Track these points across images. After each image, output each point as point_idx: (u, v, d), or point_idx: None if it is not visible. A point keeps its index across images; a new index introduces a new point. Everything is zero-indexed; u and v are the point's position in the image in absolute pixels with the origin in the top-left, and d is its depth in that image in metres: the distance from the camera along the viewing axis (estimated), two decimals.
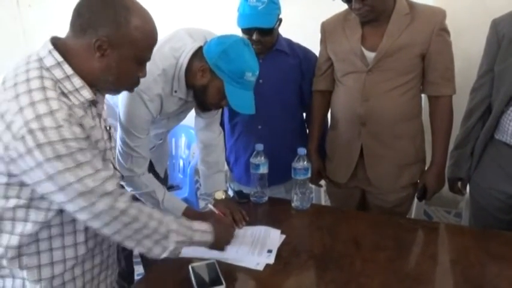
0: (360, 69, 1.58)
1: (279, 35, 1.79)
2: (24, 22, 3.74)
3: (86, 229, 1.07)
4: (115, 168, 1.16)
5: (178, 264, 1.29)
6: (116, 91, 1.11)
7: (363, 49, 1.57)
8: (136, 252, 1.10)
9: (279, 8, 1.69)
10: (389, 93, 1.57)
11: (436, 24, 1.52)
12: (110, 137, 1.13)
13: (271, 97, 1.77)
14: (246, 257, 1.32)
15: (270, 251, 1.34)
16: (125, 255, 1.89)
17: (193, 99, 1.45)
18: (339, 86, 1.70)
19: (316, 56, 1.81)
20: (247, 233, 1.45)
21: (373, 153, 1.65)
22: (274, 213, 1.62)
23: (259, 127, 1.83)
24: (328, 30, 1.70)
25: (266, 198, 1.70)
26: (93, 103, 1.03)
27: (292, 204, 1.64)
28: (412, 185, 1.73)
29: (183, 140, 2.74)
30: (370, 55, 1.56)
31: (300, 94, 1.86)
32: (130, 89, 1.12)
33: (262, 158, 1.64)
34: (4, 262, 1.00)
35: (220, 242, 1.31)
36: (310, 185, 1.80)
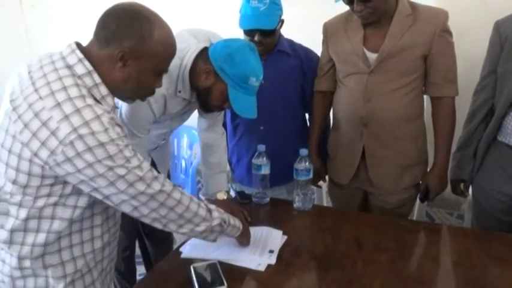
0: (362, 70, 1.58)
1: (280, 35, 1.79)
2: (27, 21, 3.75)
3: (102, 224, 1.11)
4: None
5: (180, 265, 1.30)
6: (132, 99, 1.15)
7: (365, 50, 1.57)
8: (182, 232, 1.15)
9: (280, 9, 1.69)
10: (391, 95, 1.57)
11: (438, 26, 1.51)
12: None
13: (273, 98, 1.77)
14: (247, 257, 1.32)
15: (271, 251, 1.34)
16: (127, 256, 1.90)
17: (196, 100, 1.45)
18: (340, 87, 1.70)
19: (317, 56, 1.81)
20: None
21: (375, 154, 1.65)
22: (275, 214, 1.62)
23: (261, 128, 1.83)
24: (330, 31, 1.70)
25: (268, 199, 1.70)
26: (113, 109, 1.08)
27: (294, 205, 1.64)
28: (414, 186, 1.73)
29: (185, 141, 2.74)
30: (372, 56, 1.56)
31: (302, 94, 1.86)
32: (143, 98, 1.16)
33: (264, 158, 1.64)
34: (27, 262, 1.02)
35: (246, 232, 1.36)
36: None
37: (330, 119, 1.89)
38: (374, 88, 1.58)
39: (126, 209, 1.04)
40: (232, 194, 1.92)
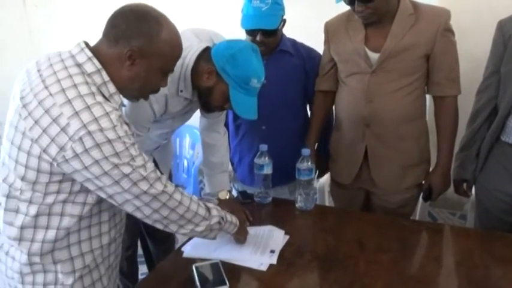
0: (364, 70, 1.58)
1: (283, 35, 1.79)
2: (30, 22, 3.76)
3: (110, 220, 1.13)
4: None
5: (182, 264, 1.30)
6: (137, 98, 1.16)
7: (367, 50, 1.57)
8: (182, 233, 1.18)
9: (282, 9, 1.69)
10: (394, 94, 1.57)
11: (440, 25, 1.51)
12: None
13: (276, 98, 1.77)
14: (249, 257, 1.33)
15: (272, 252, 1.34)
16: (129, 255, 1.90)
17: (198, 99, 1.45)
18: (342, 87, 1.70)
19: (320, 55, 1.81)
20: (251, 233, 1.45)
21: (378, 155, 1.64)
22: (278, 213, 1.62)
23: (263, 127, 1.83)
24: (332, 30, 1.70)
25: (270, 199, 1.70)
26: (121, 106, 1.10)
27: (296, 205, 1.64)
28: (417, 186, 1.72)
29: (187, 140, 2.74)
30: (373, 56, 1.55)
31: (304, 94, 1.86)
32: (147, 96, 1.18)
33: (266, 158, 1.64)
34: (37, 258, 1.04)
35: (242, 229, 1.37)
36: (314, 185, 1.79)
37: (332, 118, 1.89)
38: (376, 88, 1.57)
39: (129, 208, 1.05)
40: (235, 193, 1.92)
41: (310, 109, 1.93)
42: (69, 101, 0.94)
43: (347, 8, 1.61)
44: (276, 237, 1.43)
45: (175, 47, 1.09)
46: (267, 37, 1.67)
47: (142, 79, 1.06)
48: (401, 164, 1.65)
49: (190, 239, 1.41)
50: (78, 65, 1.01)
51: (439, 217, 2.94)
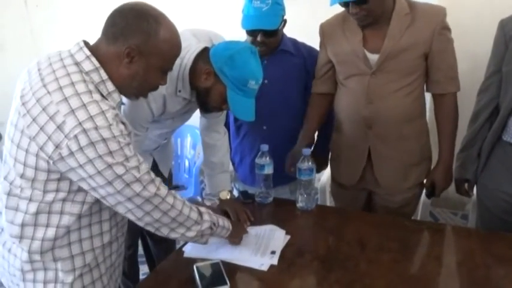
0: (363, 72, 1.57)
1: (283, 35, 1.79)
2: (31, 22, 3.77)
3: (111, 218, 1.14)
4: None
5: (183, 264, 1.30)
6: (136, 96, 1.16)
7: (365, 51, 1.56)
8: (173, 237, 1.17)
9: (283, 9, 1.69)
10: (394, 95, 1.57)
11: (437, 23, 1.51)
12: None
13: (277, 97, 1.77)
14: (249, 257, 1.33)
15: (273, 252, 1.34)
16: (129, 255, 1.90)
17: (196, 100, 1.45)
18: (341, 89, 1.69)
19: None
20: (252, 233, 1.45)
21: (381, 155, 1.64)
22: (279, 213, 1.62)
23: (264, 127, 1.83)
24: (328, 32, 1.68)
25: (271, 199, 1.70)
26: (120, 105, 1.11)
27: (297, 205, 1.64)
28: (418, 185, 1.73)
29: (188, 140, 2.75)
30: (372, 57, 1.55)
31: (305, 94, 1.86)
32: (146, 94, 1.17)
33: (267, 158, 1.64)
34: (37, 256, 1.05)
35: (236, 232, 1.37)
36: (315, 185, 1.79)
37: (334, 120, 1.87)
38: (376, 89, 1.57)
39: (121, 210, 1.06)
40: (236, 193, 1.92)
41: None
42: (65, 99, 0.95)
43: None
44: (276, 237, 1.43)
45: (174, 46, 1.09)
46: (268, 37, 1.67)
47: (141, 77, 1.07)
48: (404, 163, 1.66)
49: None
50: (77, 64, 1.01)
51: (440, 217, 2.94)
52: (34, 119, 0.96)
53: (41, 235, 1.04)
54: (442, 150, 1.64)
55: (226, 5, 2.91)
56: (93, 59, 1.02)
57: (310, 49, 1.83)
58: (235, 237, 1.37)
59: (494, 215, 1.59)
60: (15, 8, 3.73)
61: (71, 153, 0.95)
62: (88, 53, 1.02)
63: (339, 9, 1.64)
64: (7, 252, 1.09)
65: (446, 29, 1.53)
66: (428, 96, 1.67)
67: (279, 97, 1.78)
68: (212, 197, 1.66)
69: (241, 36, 1.71)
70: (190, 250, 1.38)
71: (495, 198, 1.57)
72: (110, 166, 0.97)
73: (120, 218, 1.18)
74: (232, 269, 1.27)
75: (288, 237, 1.43)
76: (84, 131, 0.93)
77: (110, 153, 0.96)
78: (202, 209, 1.24)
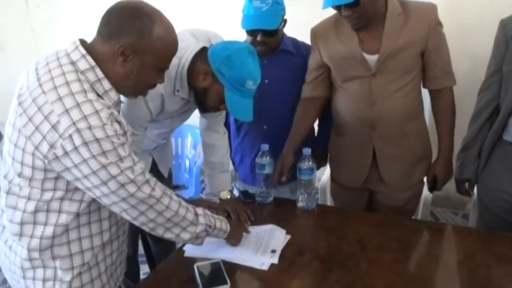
0: (363, 74, 1.57)
1: (283, 34, 1.78)
2: (32, 22, 3.77)
3: (110, 216, 1.14)
4: None
5: (184, 264, 1.30)
6: (134, 94, 1.16)
7: (363, 53, 1.56)
8: (168, 237, 1.17)
9: (283, 9, 1.69)
10: (395, 94, 1.57)
11: (431, 20, 1.53)
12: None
13: (277, 97, 1.77)
14: (250, 257, 1.33)
15: (273, 251, 1.34)
16: (130, 255, 1.91)
17: (194, 99, 1.45)
18: (340, 92, 1.67)
19: None
20: (252, 232, 1.45)
21: (386, 155, 1.65)
22: (279, 213, 1.62)
23: (265, 127, 1.83)
24: (320, 36, 1.66)
25: (271, 198, 1.70)
26: (117, 103, 1.10)
27: (298, 205, 1.64)
28: (420, 182, 1.75)
29: (189, 140, 2.75)
30: (370, 58, 1.55)
31: None
32: (145, 93, 1.17)
33: (268, 158, 1.64)
34: (36, 254, 1.06)
35: (234, 233, 1.36)
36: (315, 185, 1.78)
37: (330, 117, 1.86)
38: (378, 90, 1.57)
39: (116, 210, 1.06)
40: (236, 193, 1.92)
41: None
42: (60, 99, 0.95)
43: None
44: (277, 236, 1.43)
45: (169, 44, 1.08)
46: (268, 37, 1.67)
47: (136, 76, 1.06)
48: (408, 161, 1.67)
49: None
50: (72, 63, 1.01)
51: (441, 217, 2.93)
52: (30, 119, 0.96)
53: (40, 233, 1.04)
54: (442, 143, 1.66)
55: (226, 5, 2.91)
56: (89, 57, 1.02)
57: (310, 48, 1.83)
58: (234, 239, 1.37)
59: (494, 215, 1.59)
60: (16, 8, 3.73)
61: (66, 153, 0.95)
62: (83, 51, 1.02)
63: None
64: (8, 250, 1.11)
65: (439, 24, 1.56)
66: (425, 96, 1.68)
67: (279, 97, 1.78)
68: (212, 197, 1.66)
69: (241, 36, 1.71)
70: (190, 250, 1.38)
71: (496, 198, 1.57)
72: (104, 166, 0.97)
73: (120, 216, 1.18)
74: (233, 269, 1.27)
75: (289, 236, 1.43)
76: (78, 130, 0.93)
77: (104, 153, 0.96)
78: (199, 211, 1.22)
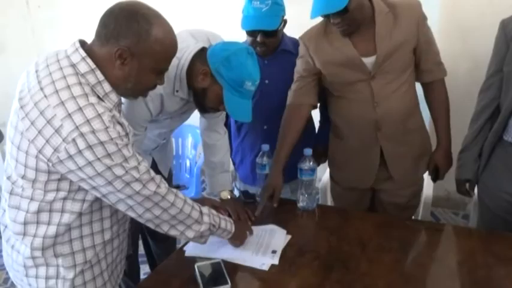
0: (362, 77, 1.57)
1: (283, 34, 1.79)
2: (33, 22, 3.78)
3: (111, 215, 1.15)
4: None
5: (184, 264, 1.31)
6: (134, 96, 1.16)
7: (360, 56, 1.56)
8: (173, 234, 1.18)
9: (283, 10, 1.69)
10: (396, 93, 1.58)
11: (418, 16, 1.55)
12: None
13: (277, 97, 1.77)
14: (250, 257, 1.33)
15: (274, 252, 1.35)
16: (130, 254, 1.91)
17: (193, 100, 1.45)
18: (339, 99, 1.66)
19: None
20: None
21: (393, 153, 1.66)
22: (279, 213, 1.61)
23: (265, 127, 1.83)
24: (312, 44, 1.62)
25: None
26: (118, 105, 1.10)
27: (298, 205, 1.64)
28: (422, 177, 1.78)
29: (189, 140, 2.75)
30: (367, 61, 1.55)
31: None
32: (146, 94, 1.17)
33: (268, 158, 1.64)
34: (39, 252, 1.07)
35: (239, 235, 1.36)
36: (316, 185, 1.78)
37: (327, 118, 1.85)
38: (379, 91, 1.57)
39: (122, 207, 1.06)
40: (236, 193, 1.92)
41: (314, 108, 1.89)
42: (62, 103, 0.95)
43: None
44: (277, 236, 1.43)
45: (167, 46, 1.06)
46: (268, 37, 1.67)
47: (134, 78, 1.05)
48: (413, 156, 1.70)
49: None
50: (73, 66, 1.01)
51: (441, 217, 2.93)
52: (32, 123, 0.97)
53: (43, 232, 1.05)
54: (440, 133, 1.69)
55: (226, 5, 2.91)
56: (89, 60, 1.02)
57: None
58: (238, 240, 1.37)
59: (495, 215, 1.59)
60: (17, 8, 3.74)
61: (70, 157, 0.95)
62: (83, 54, 1.02)
63: None
64: (10, 249, 1.11)
65: (425, 18, 1.58)
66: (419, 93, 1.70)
67: (280, 97, 1.78)
68: (213, 197, 1.66)
69: (241, 36, 1.72)
70: (191, 249, 1.38)
71: (496, 198, 1.57)
72: (109, 168, 0.98)
73: (121, 215, 1.19)
74: (233, 269, 1.27)
75: (289, 237, 1.43)
76: (82, 134, 0.94)
77: (109, 155, 0.97)
78: (204, 210, 1.23)
